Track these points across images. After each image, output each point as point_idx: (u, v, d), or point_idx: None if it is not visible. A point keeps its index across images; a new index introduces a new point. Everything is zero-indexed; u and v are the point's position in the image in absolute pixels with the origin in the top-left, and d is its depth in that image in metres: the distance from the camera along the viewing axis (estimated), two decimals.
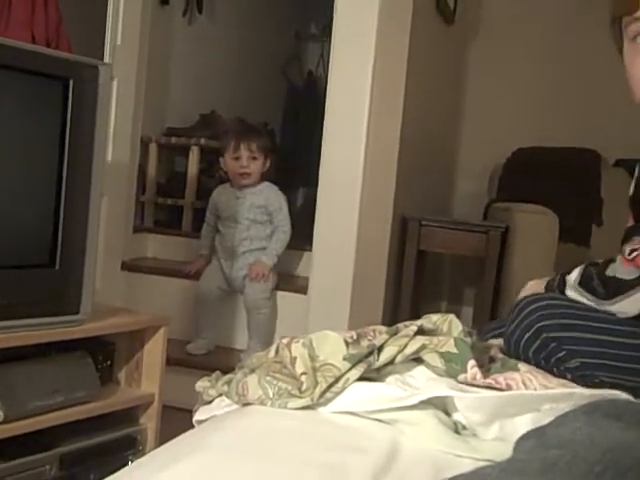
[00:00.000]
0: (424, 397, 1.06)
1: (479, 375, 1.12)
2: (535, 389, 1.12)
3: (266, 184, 2.99)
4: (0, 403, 1.68)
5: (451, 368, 1.14)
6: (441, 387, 1.08)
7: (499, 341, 1.46)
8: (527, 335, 1.34)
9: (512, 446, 0.74)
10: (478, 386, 1.13)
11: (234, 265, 2.96)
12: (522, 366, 1.24)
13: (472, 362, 1.14)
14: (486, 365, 1.23)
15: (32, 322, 1.78)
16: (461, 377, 1.13)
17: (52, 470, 1.81)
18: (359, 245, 2.77)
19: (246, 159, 2.93)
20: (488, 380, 1.12)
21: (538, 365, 1.28)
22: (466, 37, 4.23)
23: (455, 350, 1.16)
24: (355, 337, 1.22)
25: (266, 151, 2.98)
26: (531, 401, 1.06)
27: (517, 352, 1.36)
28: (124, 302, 2.91)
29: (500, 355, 1.34)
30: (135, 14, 2.95)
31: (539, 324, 1.33)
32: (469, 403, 1.06)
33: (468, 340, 1.20)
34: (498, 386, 1.12)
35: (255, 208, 2.94)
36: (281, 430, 1.07)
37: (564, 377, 1.27)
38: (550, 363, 1.31)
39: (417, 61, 2.98)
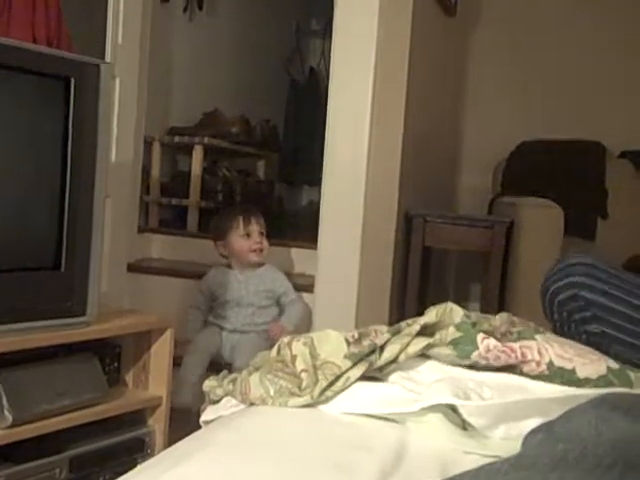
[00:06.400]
0: (425, 404, 1.06)
1: (493, 343, 1.12)
2: (550, 360, 1.11)
3: (266, 266, 2.88)
4: (8, 407, 1.67)
5: (462, 351, 1.14)
6: (444, 392, 1.07)
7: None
8: (560, 284, 1.32)
9: (520, 443, 0.74)
10: (492, 368, 1.12)
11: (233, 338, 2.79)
12: (539, 337, 1.23)
13: (481, 336, 1.14)
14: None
15: (38, 325, 1.77)
16: (474, 355, 1.13)
17: (62, 473, 1.81)
18: (364, 242, 2.76)
19: (257, 234, 2.82)
20: (503, 348, 1.12)
21: (560, 316, 1.27)
22: (468, 30, 4.22)
23: (459, 334, 1.16)
24: (357, 336, 1.22)
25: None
26: (535, 406, 1.06)
27: (544, 298, 1.35)
28: (130, 303, 2.90)
29: (514, 329, 1.33)
30: (136, 12, 2.94)
31: (574, 278, 1.31)
32: (472, 410, 1.06)
33: (468, 320, 1.20)
34: (513, 355, 1.12)
35: (261, 292, 2.82)
36: (288, 429, 1.07)
37: (579, 337, 1.26)
38: (571, 319, 1.29)
39: (419, 55, 2.97)
